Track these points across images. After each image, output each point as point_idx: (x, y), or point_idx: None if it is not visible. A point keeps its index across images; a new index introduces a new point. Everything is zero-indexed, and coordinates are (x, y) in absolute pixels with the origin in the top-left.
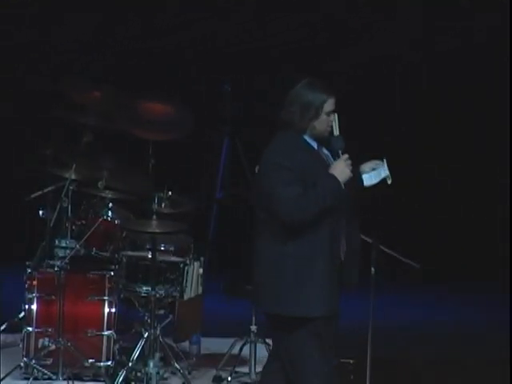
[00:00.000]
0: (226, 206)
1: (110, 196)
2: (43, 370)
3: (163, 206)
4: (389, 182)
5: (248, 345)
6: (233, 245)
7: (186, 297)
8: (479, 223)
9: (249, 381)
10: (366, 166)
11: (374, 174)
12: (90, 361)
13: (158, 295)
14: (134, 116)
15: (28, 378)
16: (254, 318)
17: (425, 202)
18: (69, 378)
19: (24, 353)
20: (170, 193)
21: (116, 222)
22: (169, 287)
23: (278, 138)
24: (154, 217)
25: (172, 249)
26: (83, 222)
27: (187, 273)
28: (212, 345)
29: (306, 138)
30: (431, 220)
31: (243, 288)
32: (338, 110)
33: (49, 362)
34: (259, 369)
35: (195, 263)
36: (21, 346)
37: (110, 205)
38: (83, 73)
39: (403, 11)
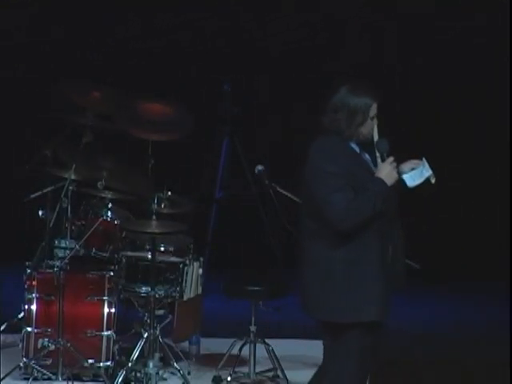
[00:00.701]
0: (226, 206)
1: (109, 196)
2: (43, 370)
3: (163, 206)
4: (432, 181)
5: (247, 345)
6: (232, 245)
7: (185, 297)
8: (479, 223)
9: (248, 381)
10: (405, 167)
11: (416, 173)
12: (90, 361)
13: (157, 295)
14: (134, 116)
15: (28, 379)
16: (253, 319)
17: (424, 201)
18: (68, 379)
19: (23, 353)
20: (169, 193)
21: (115, 222)
22: (168, 287)
23: (321, 144)
24: (154, 217)
25: (171, 249)
26: (83, 222)
27: (187, 273)
28: (211, 345)
29: (350, 143)
30: (431, 220)
31: (243, 288)
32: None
33: (48, 362)
34: (259, 369)
35: (195, 263)
36: (20, 346)
37: (110, 205)
38: (83, 73)
39: (403, 11)
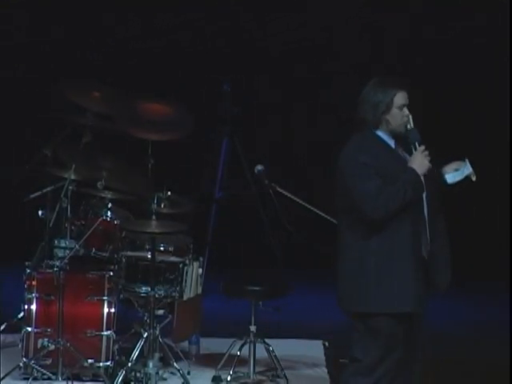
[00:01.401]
0: (226, 206)
1: (109, 196)
2: (42, 370)
3: (162, 206)
4: (473, 178)
5: (247, 345)
6: (232, 245)
7: (185, 297)
8: (479, 223)
9: (248, 381)
10: (448, 168)
11: (457, 172)
12: (90, 361)
13: (157, 295)
14: (134, 116)
15: (27, 378)
16: (253, 318)
17: None
18: (68, 379)
19: (23, 353)
20: (169, 193)
21: (115, 222)
22: (168, 287)
23: (354, 137)
24: (154, 217)
25: (171, 249)
26: (82, 222)
27: (186, 273)
28: (211, 345)
29: (382, 135)
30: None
31: (243, 288)
32: (336, 110)
33: (48, 362)
34: (258, 369)
35: (194, 263)
36: (20, 346)
37: (110, 205)
38: (83, 73)
39: (402, 11)
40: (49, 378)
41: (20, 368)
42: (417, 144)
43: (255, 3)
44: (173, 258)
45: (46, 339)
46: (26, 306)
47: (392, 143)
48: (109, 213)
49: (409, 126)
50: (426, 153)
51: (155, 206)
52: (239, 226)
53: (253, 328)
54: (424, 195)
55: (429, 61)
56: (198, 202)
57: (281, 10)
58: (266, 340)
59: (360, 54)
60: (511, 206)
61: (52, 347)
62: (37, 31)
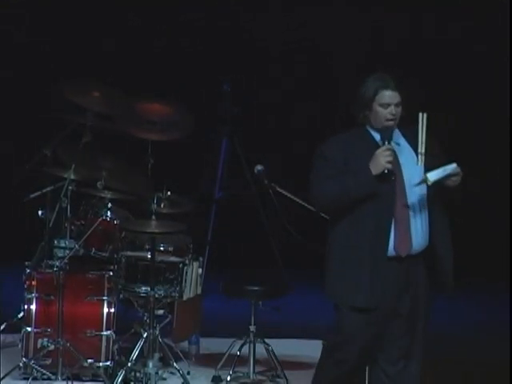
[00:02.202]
0: (225, 206)
1: (109, 196)
2: (42, 370)
3: (162, 206)
4: (454, 177)
5: (247, 345)
6: (232, 245)
7: (185, 297)
8: (479, 223)
9: (248, 381)
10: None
11: (439, 171)
12: (89, 361)
13: (157, 295)
14: (134, 116)
15: (27, 378)
16: (253, 318)
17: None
18: (68, 378)
19: (23, 353)
20: (169, 193)
21: (115, 222)
22: (168, 287)
23: (339, 132)
24: (153, 217)
25: (171, 249)
26: (82, 222)
27: (186, 273)
28: (211, 345)
29: (371, 130)
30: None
31: (242, 288)
32: (337, 110)
33: (48, 362)
34: (258, 369)
35: (194, 263)
36: (20, 346)
37: (109, 205)
38: (83, 73)
39: (402, 10)
40: (48, 378)
41: (20, 368)
42: (386, 143)
43: (255, 3)
44: (173, 258)
45: (45, 339)
46: (26, 306)
47: (378, 136)
48: (109, 213)
49: (420, 132)
50: (387, 153)
51: (155, 206)
52: (239, 226)
53: (253, 328)
54: (405, 198)
55: (428, 61)
56: (197, 201)
57: (281, 10)
58: (266, 340)
59: (360, 54)
60: (511, 206)
61: (52, 347)
62: (37, 31)
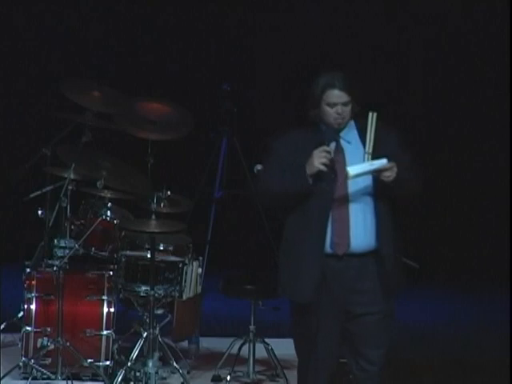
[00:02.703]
0: (225, 206)
1: (108, 196)
2: (42, 369)
3: (162, 205)
4: (383, 167)
5: (247, 344)
6: (232, 244)
7: (184, 296)
8: (479, 223)
9: (248, 380)
10: None
11: (364, 166)
12: (89, 360)
13: (156, 295)
14: (134, 116)
15: (27, 378)
16: (252, 318)
17: (424, 201)
18: (68, 378)
19: (23, 352)
20: (168, 192)
21: (115, 221)
22: (168, 287)
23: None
24: (153, 216)
25: (171, 248)
26: (82, 221)
27: (186, 272)
28: (211, 344)
29: (322, 127)
30: (431, 219)
31: (242, 288)
32: None
33: (48, 361)
34: (258, 368)
35: (194, 263)
36: (20, 345)
37: (109, 204)
38: (83, 73)
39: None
40: (48, 378)
41: (19, 367)
42: (326, 143)
43: (255, 3)
44: (172, 258)
45: (45, 339)
46: (26, 306)
47: (329, 134)
48: (108, 212)
49: (368, 131)
50: (322, 155)
51: (155, 205)
52: (239, 225)
53: (252, 327)
54: (347, 197)
55: (428, 61)
56: (197, 201)
57: (280, 10)
58: (266, 339)
59: (359, 54)
60: (511, 206)
61: (51, 347)
62: (36, 31)
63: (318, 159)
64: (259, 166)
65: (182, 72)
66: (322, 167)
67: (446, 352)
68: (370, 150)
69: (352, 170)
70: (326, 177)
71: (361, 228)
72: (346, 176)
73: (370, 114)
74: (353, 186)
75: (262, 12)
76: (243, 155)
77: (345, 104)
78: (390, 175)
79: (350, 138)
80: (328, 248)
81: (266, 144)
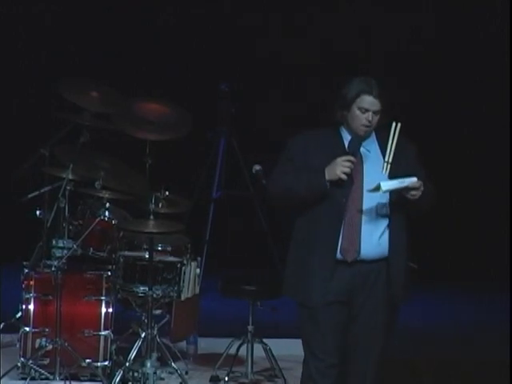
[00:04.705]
0: (223, 206)
1: (107, 196)
2: (40, 370)
3: (160, 206)
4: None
5: (245, 345)
6: (230, 245)
7: (183, 297)
8: (479, 223)
9: (246, 381)
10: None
11: (395, 182)
12: (87, 361)
13: (155, 295)
14: (132, 116)
15: (25, 378)
16: (251, 318)
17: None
18: (66, 378)
19: (21, 353)
20: (167, 193)
21: (113, 222)
22: (166, 287)
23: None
24: (151, 217)
25: (169, 249)
26: (80, 222)
27: (184, 273)
28: (209, 345)
29: (344, 132)
30: (431, 219)
31: (240, 288)
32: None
33: (46, 362)
34: (256, 369)
35: (192, 263)
36: (18, 346)
37: (107, 205)
38: (82, 72)
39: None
40: (46, 378)
41: (18, 368)
42: (351, 151)
43: (254, 3)
44: (171, 258)
45: (43, 339)
46: (24, 306)
47: (347, 139)
48: (106, 213)
49: (389, 142)
50: (346, 164)
51: (153, 205)
52: (237, 225)
53: (250, 328)
54: (361, 204)
55: (428, 61)
56: (195, 201)
57: (280, 9)
58: (264, 340)
59: (359, 54)
60: (511, 206)
61: (50, 347)
62: (34, 31)
63: (342, 168)
64: (257, 166)
65: (181, 72)
66: (344, 176)
67: (446, 352)
68: (390, 160)
69: (384, 185)
70: (342, 183)
71: (373, 236)
72: (376, 189)
73: (394, 123)
74: (367, 194)
75: (260, 12)
76: (241, 155)
77: (375, 112)
78: (416, 194)
79: (369, 147)
80: (338, 254)
81: (263, 144)
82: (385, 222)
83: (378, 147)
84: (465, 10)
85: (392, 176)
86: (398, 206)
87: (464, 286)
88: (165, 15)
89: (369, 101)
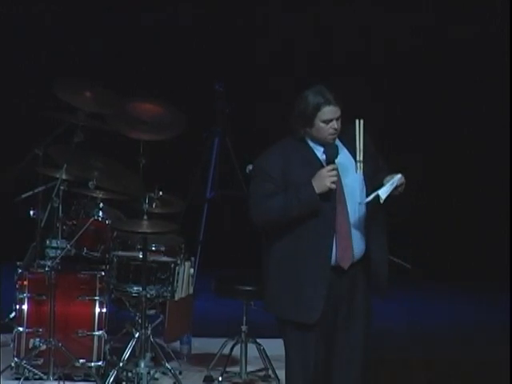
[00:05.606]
0: (217, 206)
1: (100, 196)
2: (34, 370)
3: (154, 206)
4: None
5: (239, 345)
6: (224, 245)
7: (176, 297)
8: (479, 223)
9: (240, 381)
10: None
11: (389, 184)
12: (81, 361)
13: (148, 295)
14: (126, 116)
15: (19, 378)
16: (244, 318)
17: (424, 201)
18: (60, 378)
19: (15, 353)
20: (160, 193)
21: (107, 222)
22: (160, 287)
23: (278, 143)
24: (145, 217)
25: (163, 249)
26: (74, 222)
27: (178, 273)
28: (203, 345)
29: (311, 143)
30: (431, 219)
31: (234, 288)
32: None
33: (40, 362)
34: (250, 369)
35: (186, 263)
36: (12, 346)
37: (101, 205)
38: (76, 72)
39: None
40: (40, 378)
41: (11, 368)
42: (332, 160)
43: (254, 3)
44: (164, 258)
45: (37, 339)
46: (18, 306)
47: (320, 150)
48: (100, 213)
49: (357, 141)
50: (332, 173)
51: (147, 205)
52: (231, 225)
53: (244, 328)
54: (346, 209)
55: (428, 60)
56: (189, 201)
57: (280, 9)
58: (258, 340)
59: (358, 54)
60: (511, 206)
61: (43, 347)
62: (31, 32)
63: (330, 178)
64: (251, 166)
65: (175, 72)
66: (334, 186)
67: (446, 352)
68: (361, 159)
69: (382, 193)
70: (327, 193)
71: (359, 237)
72: (376, 200)
73: (357, 121)
74: (349, 198)
75: (256, 12)
76: (235, 155)
77: (338, 118)
78: (402, 189)
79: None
80: (334, 262)
81: (257, 144)
82: (363, 220)
83: (343, 147)
84: (465, 10)
85: (366, 169)
86: (373, 203)
87: (464, 285)
88: (160, 16)
89: (330, 111)
